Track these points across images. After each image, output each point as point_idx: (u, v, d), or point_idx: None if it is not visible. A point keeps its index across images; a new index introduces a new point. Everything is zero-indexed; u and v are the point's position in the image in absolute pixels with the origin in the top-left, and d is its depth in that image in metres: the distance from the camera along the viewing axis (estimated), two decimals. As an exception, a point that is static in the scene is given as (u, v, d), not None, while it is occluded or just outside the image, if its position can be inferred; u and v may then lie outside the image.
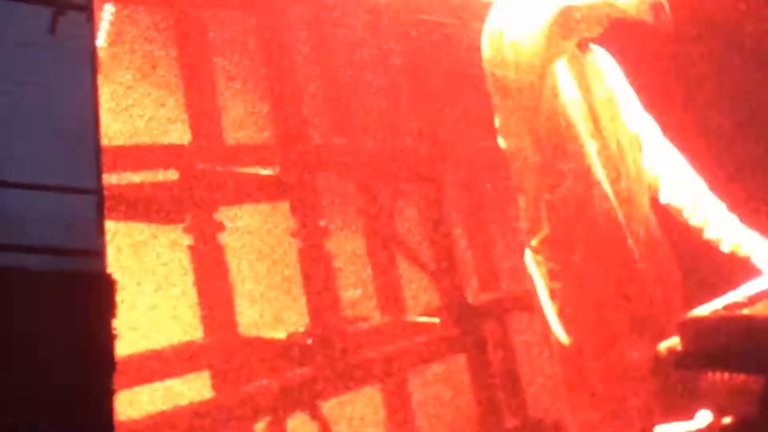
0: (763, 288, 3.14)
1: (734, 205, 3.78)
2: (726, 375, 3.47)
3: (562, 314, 3.56)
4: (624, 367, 3.42)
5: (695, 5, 4.50)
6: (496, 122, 3.77)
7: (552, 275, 3.65)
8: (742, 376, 3.41)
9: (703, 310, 2.96)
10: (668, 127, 4.02)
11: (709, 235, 3.65)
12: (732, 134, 5.58)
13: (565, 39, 3.67)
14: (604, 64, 3.95)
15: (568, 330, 3.54)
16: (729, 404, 3.37)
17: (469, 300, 5.30)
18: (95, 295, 2.36)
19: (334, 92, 5.48)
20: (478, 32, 6.09)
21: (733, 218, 3.69)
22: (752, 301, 2.95)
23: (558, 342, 3.56)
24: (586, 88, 3.77)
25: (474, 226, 5.82)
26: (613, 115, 3.86)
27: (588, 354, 3.52)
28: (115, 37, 4.88)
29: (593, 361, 3.50)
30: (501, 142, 3.76)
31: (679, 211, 3.74)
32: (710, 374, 3.36)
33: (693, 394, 3.40)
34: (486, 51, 3.82)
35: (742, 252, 3.56)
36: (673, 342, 2.99)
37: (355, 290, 5.42)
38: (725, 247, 3.60)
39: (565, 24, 3.62)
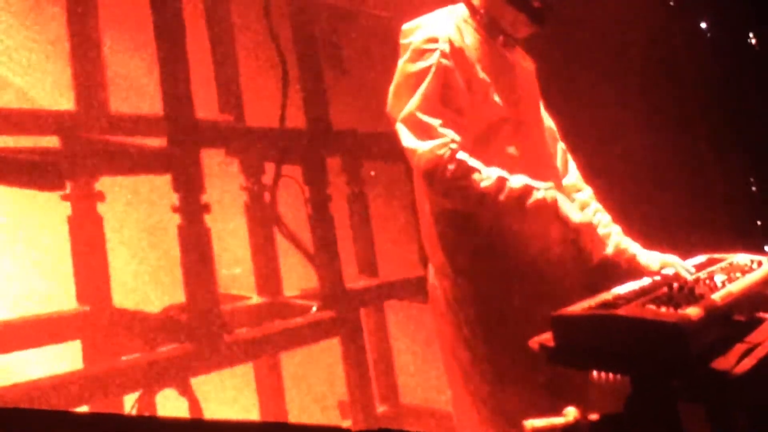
0: (636, 288, 3.20)
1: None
2: (595, 372, 3.56)
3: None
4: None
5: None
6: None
7: None
8: (610, 374, 3.50)
9: (577, 307, 2.99)
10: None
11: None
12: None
13: None
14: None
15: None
16: (596, 401, 3.46)
17: (347, 285, 5.32)
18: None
19: (222, 69, 5.44)
20: (368, 16, 6.13)
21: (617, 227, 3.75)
22: (625, 300, 2.99)
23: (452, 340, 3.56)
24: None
25: (355, 211, 5.86)
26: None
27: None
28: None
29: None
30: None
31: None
32: (580, 371, 3.45)
33: (562, 389, 3.48)
34: None
35: (626, 255, 3.63)
36: (546, 337, 3.00)
37: (233, 269, 5.39)
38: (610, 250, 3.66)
39: None
